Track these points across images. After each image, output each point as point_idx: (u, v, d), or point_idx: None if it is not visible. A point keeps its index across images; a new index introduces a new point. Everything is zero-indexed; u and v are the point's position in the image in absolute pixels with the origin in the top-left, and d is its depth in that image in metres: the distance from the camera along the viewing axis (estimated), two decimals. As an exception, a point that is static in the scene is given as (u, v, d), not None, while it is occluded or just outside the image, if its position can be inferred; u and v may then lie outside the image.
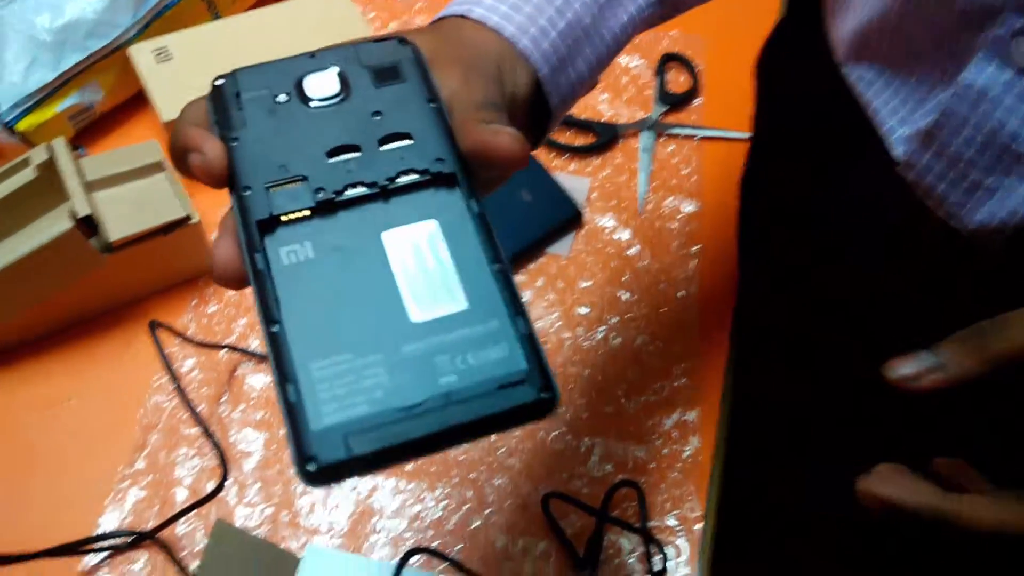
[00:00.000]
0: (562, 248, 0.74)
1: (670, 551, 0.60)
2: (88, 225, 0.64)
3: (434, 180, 0.33)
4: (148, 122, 0.80)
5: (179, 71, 0.77)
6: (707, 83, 0.84)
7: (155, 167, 0.70)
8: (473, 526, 0.60)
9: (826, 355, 0.61)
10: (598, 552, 0.60)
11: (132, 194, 0.69)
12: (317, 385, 0.29)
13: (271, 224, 0.32)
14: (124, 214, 0.67)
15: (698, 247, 0.74)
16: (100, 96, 0.77)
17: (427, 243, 0.32)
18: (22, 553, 0.51)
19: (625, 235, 0.75)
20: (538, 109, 0.43)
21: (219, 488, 0.57)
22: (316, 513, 0.60)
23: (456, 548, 0.59)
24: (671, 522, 0.61)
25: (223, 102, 0.35)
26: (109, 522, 0.59)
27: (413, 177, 0.33)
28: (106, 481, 0.60)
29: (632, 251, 0.74)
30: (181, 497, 0.60)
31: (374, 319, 0.30)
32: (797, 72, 0.58)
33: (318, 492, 0.61)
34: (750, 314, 0.70)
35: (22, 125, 0.73)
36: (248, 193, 0.32)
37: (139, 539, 0.51)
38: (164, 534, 0.57)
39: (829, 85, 0.51)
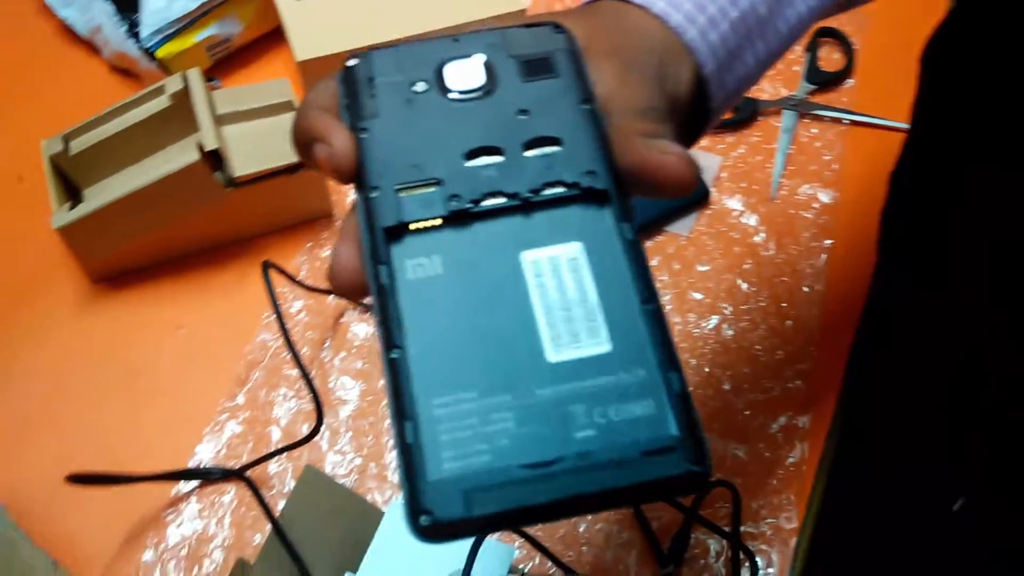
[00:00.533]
0: (683, 227, 0.70)
1: (760, 560, 0.57)
2: (214, 159, 0.65)
3: (583, 196, 0.29)
4: (283, 59, 0.80)
5: (318, 11, 0.77)
6: (862, 64, 0.78)
7: (285, 106, 0.71)
8: (557, 505, 0.59)
9: (969, 378, 0.57)
10: (683, 550, 0.57)
11: (260, 131, 0.69)
12: (438, 425, 0.26)
13: (398, 232, 0.29)
14: (250, 151, 0.68)
15: (830, 242, 0.70)
16: (239, 29, 0.78)
17: (569, 269, 0.28)
18: (119, 475, 0.53)
19: (752, 220, 0.71)
20: (696, 110, 0.39)
21: (312, 434, 0.57)
22: (403, 470, 0.60)
23: (536, 527, 0.58)
24: (764, 530, 0.58)
25: (355, 86, 0.32)
26: (205, 451, 0.60)
27: (559, 190, 0.29)
28: (207, 411, 0.62)
29: (758, 238, 0.70)
30: (276, 437, 0.61)
31: (506, 353, 0.27)
32: (972, 69, 0.53)
33: (407, 450, 0.60)
34: (881, 321, 0.65)
35: (161, 52, 0.74)
36: (376, 195, 0.29)
37: (230, 475, 0.52)
38: (255, 472, 0.58)
39: (1010, 85, 0.46)
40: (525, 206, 0.29)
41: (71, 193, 0.69)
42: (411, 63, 0.32)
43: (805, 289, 0.68)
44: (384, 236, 0.28)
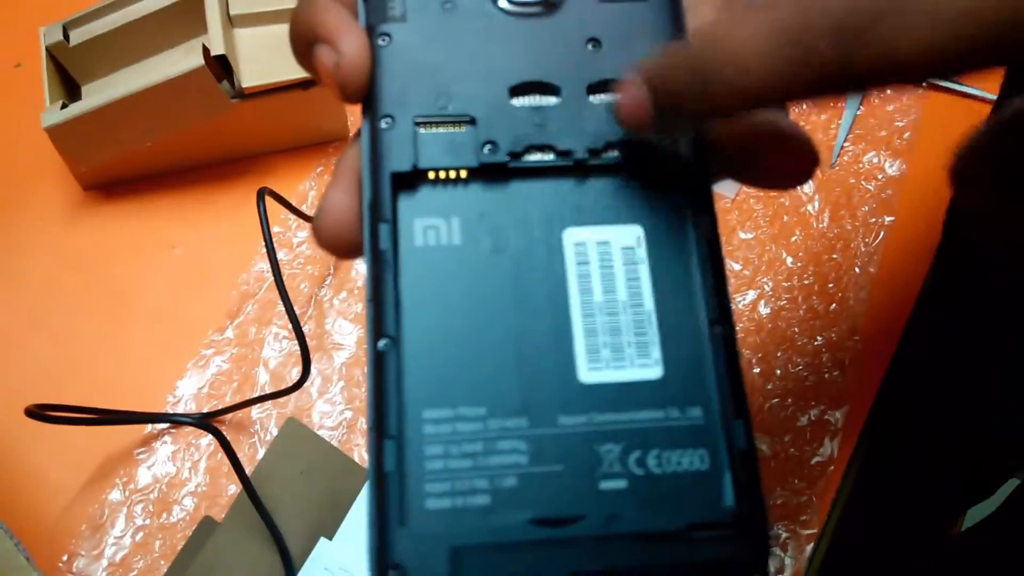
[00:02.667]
0: (729, 188, 0.64)
1: (771, 566, 0.53)
2: (221, 66, 0.59)
3: (656, 168, 0.23)
4: (311, -44, 0.73)
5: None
6: (953, 20, 0.70)
7: (305, 11, 0.64)
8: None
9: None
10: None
11: (276, 38, 0.63)
12: (426, 447, 0.20)
13: (411, 180, 0.22)
14: (262, 59, 0.61)
15: (891, 219, 0.63)
16: (264, -81, 0.71)
17: (622, 261, 0.22)
18: (81, 415, 0.49)
19: (807, 187, 0.64)
20: None
21: (298, 384, 0.53)
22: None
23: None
24: (779, 533, 0.53)
25: None
26: (187, 387, 0.56)
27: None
28: (193, 343, 0.57)
29: (811, 207, 0.63)
30: (262, 379, 0.56)
31: (528, 362, 0.21)
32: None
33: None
34: (937, 313, 0.59)
35: (176, -62, 0.67)
36: (388, 126, 0.23)
37: (203, 423, 0.47)
38: (236, 416, 0.54)
39: None
40: (578, 169, 0.23)
41: (70, 88, 0.63)
42: None
43: (856, 270, 0.61)
44: (392, 184, 0.22)
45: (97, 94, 0.59)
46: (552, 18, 0.24)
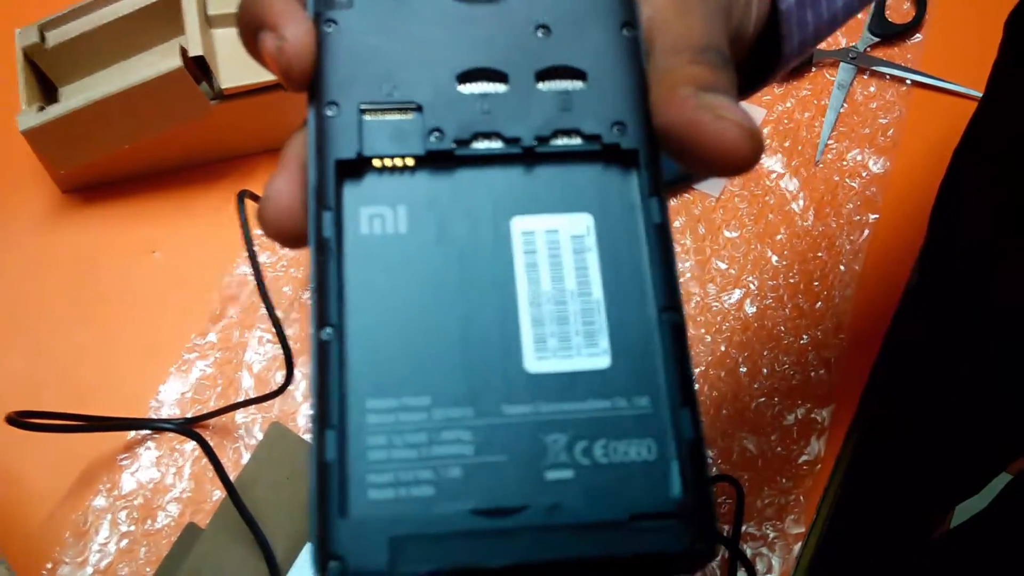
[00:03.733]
0: (713, 187, 0.63)
1: (760, 565, 0.53)
2: (199, 67, 0.58)
3: (604, 155, 0.22)
4: (291, -45, 0.72)
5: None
6: (934, 17, 0.70)
7: (285, 11, 0.64)
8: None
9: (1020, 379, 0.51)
10: (676, 546, 0.53)
11: (255, 37, 0.63)
12: (370, 438, 0.20)
13: (356, 168, 0.22)
14: (241, 60, 0.60)
15: (875, 217, 0.63)
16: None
17: (571, 249, 0.22)
18: (62, 422, 0.49)
19: (792, 185, 0.64)
20: (760, 54, 0.32)
21: (281, 389, 0.53)
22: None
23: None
24: (768, 532, 0.54)
25: None
26: (169, 392, 0.55)
27: (574, 142, 0.22)
28: (175, 347, 0.57)
29: (795, 205, 0.63)
30: (246, 383, 0.56)
31: (473, 351, 0.20)
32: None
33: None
34: (921, 311, 0.59)
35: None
36: (333, 113, 0.22)
37: (185, 429, 0.47)
38: (220, 421, 0.54)
39: None
40: (527, 156, 0.22)
41: (47, 90, 0.62)
42: None
43: (841, 268, 0.61)
44: (336, 171, 0.22)
45: (75, 96, 0.59)
46: (501, 4, 0.23)
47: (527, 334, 0.21)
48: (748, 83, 0.33)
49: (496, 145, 0.22)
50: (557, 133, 0.22)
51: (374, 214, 0.22)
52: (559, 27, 0.23)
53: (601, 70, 0.23)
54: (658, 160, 0.22)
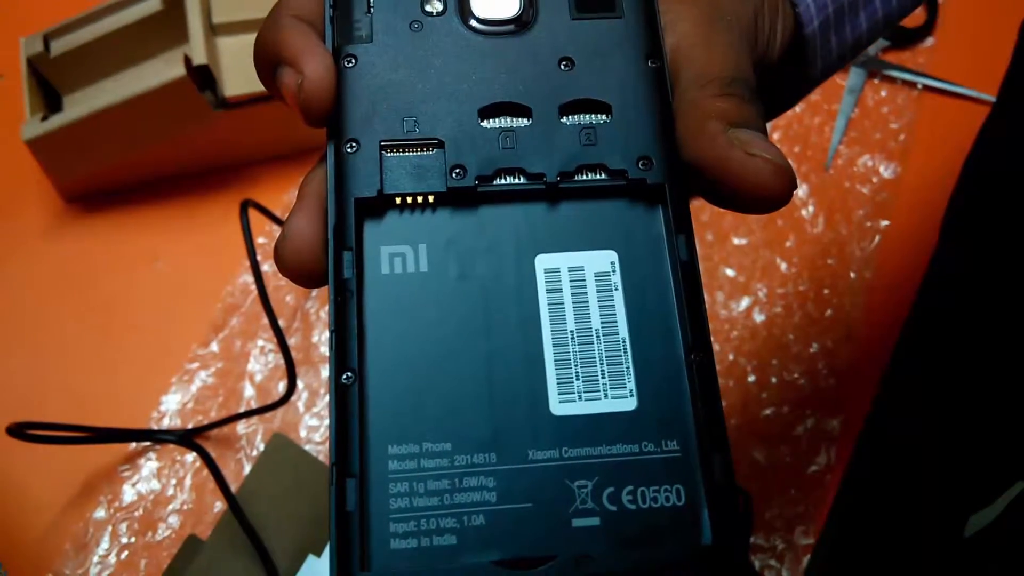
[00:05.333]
0: (722, 194, 0.63)
1: (769, 575, 0.52)
2: (203, 75, 0.58)
3: (629, 190, 0.22)
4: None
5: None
6: (946, 21, 0.69)
7: (289, 18, 0.63)
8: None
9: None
10: (683, 559, 0.52)
11: (259, 45, 0.62)
12: (391, 485, 0.19)
13: (377, 207, 0.21)
14: (246, 68, 0.60)
15: (886, 223, 0.62)
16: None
17: (596, 287, 0.21)
18: (63, 433, 0.48)
19: (801, 191, 0.63)
20: (786, 79, 0.31)
21: (284, 399, 0.52)
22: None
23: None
24: (776, 544, 0.53)
25: None
26: (171, 402, 0.55)
27: (599, 178, 0.22)
28: (177, 357, 0.56)
29: (805, 212, 0.62)
30: (248, 393, 0.55)
31: (497, 394, 0.20)
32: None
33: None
34: (932, 321, 0.58)
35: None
36: (353, 150, 0.22)
37: (185, 440, 0.47)
38: (221, 431, 0.53)
39: None
40: (550, 192, 0.22)
41: (51, 99, 0.62)
42: None
43: (851, 275, 0.60)
44: (356, 210, 0.21)
45: (78, 105, 0.59)
46: (523, 37, 0.23)
47: (552, 375, 0.20)
48: (771, 108, 0.32)
49: (519, 181, 0.22)
50: (582, 168, 0.22)
51: (395, 253, 0.21)
52: (582, 59, 0.23)
53: (626, 103, 0.22)
54: (685, 196, 0.22)
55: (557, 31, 0.23)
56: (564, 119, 0.22)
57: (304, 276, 0.22)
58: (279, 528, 0.49)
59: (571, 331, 0.21)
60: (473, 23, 0.23)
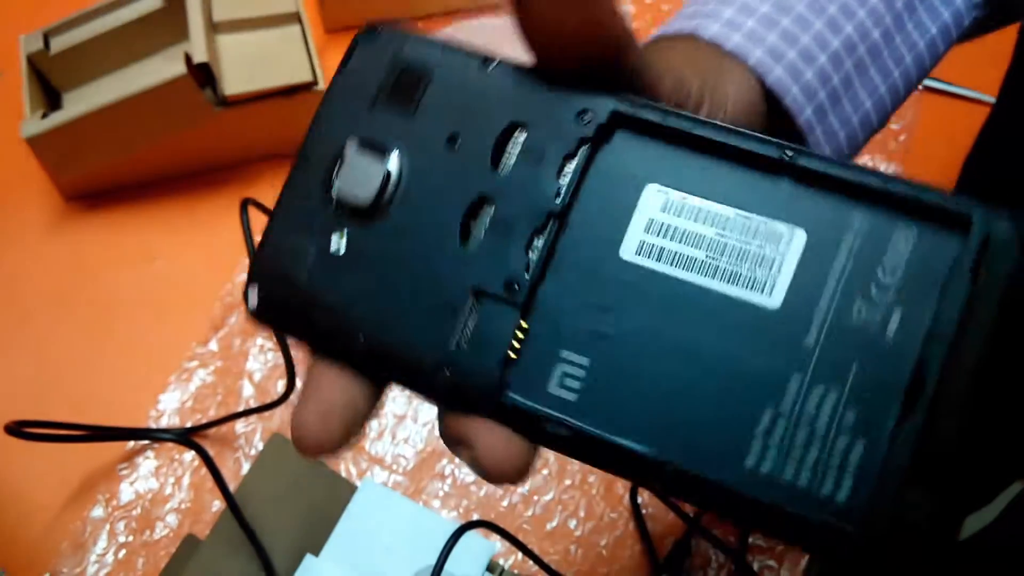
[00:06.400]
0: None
1: (766, 578, 0.52)
2: (203, 73, 0.58)
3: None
4: (296, -39, 0.72)
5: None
6: (948, 21, 0.69)
7: (290, 17, 0.63)
8: (547, 497, 0.53)
9: None
10: (682, 559, 0.52)
11: (259, 45, 0.62)
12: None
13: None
14: (246, 66, 0.60)
15: (886, 224, 0.62)
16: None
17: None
18: (61, 432, 0.48)
19: (801, 192, 0.63)
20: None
21: (283, 397, 0.52)
22: (383, 441, 0.54)
23: (525, 517, 0.53)
24: (774, 545, 0.53)
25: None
26: (169, 401, 0.55)
27: None
28: (175, 356, 0.56)
29: (805, 212, 0.62)
30: (247, 392, 0.55)
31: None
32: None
33: (388, 418, 0.55)
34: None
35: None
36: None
37: (183, 439, 0.47)
38: (220, 430, 0.53)
39: None
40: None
41: (51, 97, 0.62)
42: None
43: (851, 276, 0.60)
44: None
45: (78, 103, 0.59)
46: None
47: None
48: None
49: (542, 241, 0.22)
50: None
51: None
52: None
53: None
54: None
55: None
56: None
57: (329, 451, 0.22)
58: (277, 527, 0.49)
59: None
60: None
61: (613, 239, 0.21)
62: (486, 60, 0.23)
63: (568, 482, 0.53)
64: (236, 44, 0.61)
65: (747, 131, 0.22)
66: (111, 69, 0.62)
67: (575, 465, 0.54)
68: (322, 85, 0.60)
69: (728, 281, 0.21)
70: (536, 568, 0.50)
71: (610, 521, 0.53)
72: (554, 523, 0.53)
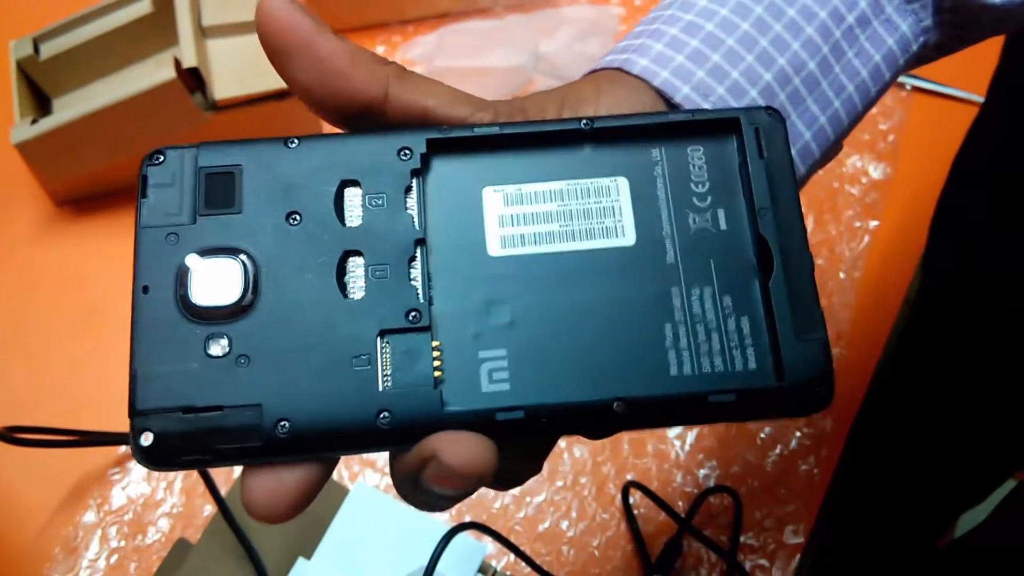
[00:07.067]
0: (713, 195, 0.63)
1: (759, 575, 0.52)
2: (193, 78, 0.58)
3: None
4: (286, -35, 0.72)
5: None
6: (936, 21, 0.69)
7: (279, 20, 0.63)
8: (538, 499, 0.53)
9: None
10: (673, 559, 0.52)
11: (250, 48, 0.62)
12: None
13: None
14: (236, 71, 0.60)
15: (876, 223, 0.62)
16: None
17: None
18: (53, 437, 0.48)
19: (791, 192, 0.63)
20: None
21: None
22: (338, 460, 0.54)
23: (517, 518, 0.53)
24: (767, 544, 0.53)
25: None
26: (162, 406, 0.55)
27: None
28: (168, 360, 0.56)
29: (795, 212, 0.62)
30: (238, 396, 0.55)
31: None
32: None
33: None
34: (922, 320, 0.58)
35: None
36: None
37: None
38: (212, 434, 0.53)
39: None
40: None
41: (41, 102, 0.62)
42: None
43: (841, 275, 0.60)
44: None
45: (68, 108, 0.59)
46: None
47: None
48: None
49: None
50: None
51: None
52: None
53: None
54: None
55: None
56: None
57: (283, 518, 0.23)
58: (269, 531, 0.49)
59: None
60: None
61: (477, 243, 0.24)
62: (287, 140, 0.24)
63: (560, 483, 0.54)
64: (226, 48, 0.61)
65: (548, 119, 0.25)
66: (101, 74, 0.62)
67: (566, 466, 0.54)
68: (312, 89, 0.60)
69: (587, 238, 0.24)
70: (528, 569, 0.50)
71: (602, 522, 0.53)
72: (546, 524, 0.53)
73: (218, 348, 0.22)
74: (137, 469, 0.53)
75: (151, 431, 0.22)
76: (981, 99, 0.56)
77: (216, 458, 0.22)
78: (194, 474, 0.51)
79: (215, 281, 0.23)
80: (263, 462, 0.22)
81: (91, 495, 0.52)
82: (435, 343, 0.23)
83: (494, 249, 0.24)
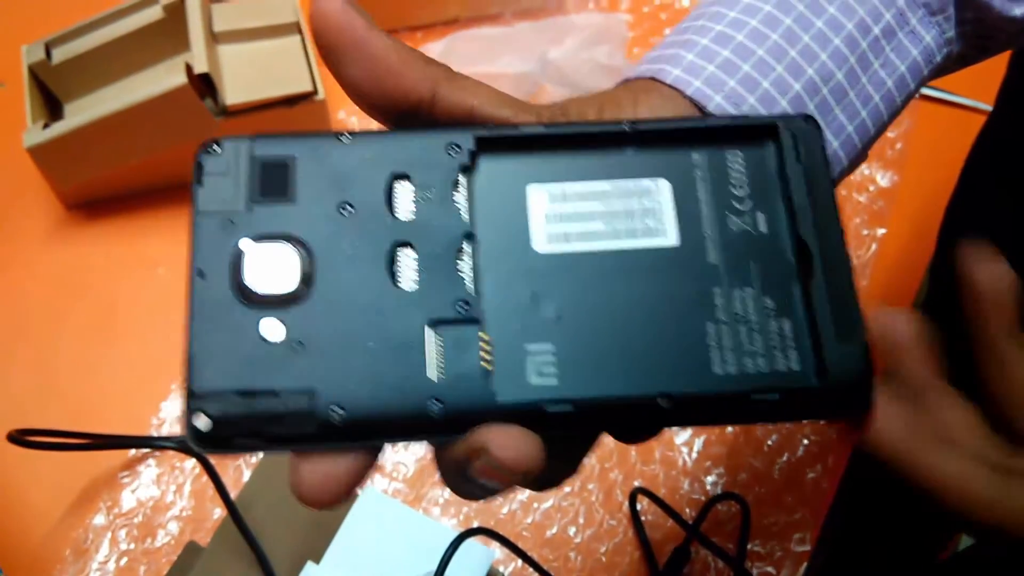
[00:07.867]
0: (720, 202, 0.63)
1: (764, 584, 0.52)
2: (204, 83, 0.58)
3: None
4: (296, -29, 0.73)
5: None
6: (944, 29, 0.69)
7: (290, 27, 0.64)
8: (546, 504, 0.53)
9: None
10: (681, 566, 0.52)
11: (260, 55, 0.63)
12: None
13: None
14: (247, 76, 0.61)
15: (883, 231, 0.62)
16: (248, -66, 0.70)
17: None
18: (63, 440, 0.49)
19: (799, 199, 0.63)
20: None
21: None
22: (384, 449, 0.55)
23: (525, 524, 0.53)
24: (773, 551, 0.53)
25: None
26: (171, 409, 0.55)
27: None
28: (177, 364, 0.56)
29: (802, 220, 0.62)
30: (248, 400, 0.55)
31: None
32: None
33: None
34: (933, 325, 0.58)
35: (159, -45, 0.67)
36: None
37: (184, 447, 0.47)
38: (221, 438, 0.54)
39: None
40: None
41: (52, 107, 0.63)
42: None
43: (849, 283, 0.60)
44: None
45: (80, 113, 0.59)
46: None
47: None
48: None
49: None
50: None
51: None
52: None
53: None
54: None
55: None
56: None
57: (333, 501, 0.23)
58: (278, 535, 0.49)
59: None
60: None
61: (523, 239, 0.24)
62: (339, 135, 0.24)
63: (567, 489, 0.54)
64: (237, 54, 0.62)
65: (592, 121, 0.26)
66: (113, 79, 0.63)
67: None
68: (322, 95, 0.61)
69: (631, 237, 0.24)
70: (536, 575, 0.50)
71: (609, 528, 0.53)
72: (553, 530, 0.53)
73: (273, 333, 0.22)
74: (147, 472, 0.53)
75: (206, 413, 0.22)
76: (988, 107, 0.56)
77: (268, 442, 0.22)
78: (204, 477, 0.51)
79: (270, 267, 0.23)
80: (314, 448, 0.22)
81: (101, 498, 0.52)
82: (483, 335, 0.23)
83: (540, 245, 0.24)
